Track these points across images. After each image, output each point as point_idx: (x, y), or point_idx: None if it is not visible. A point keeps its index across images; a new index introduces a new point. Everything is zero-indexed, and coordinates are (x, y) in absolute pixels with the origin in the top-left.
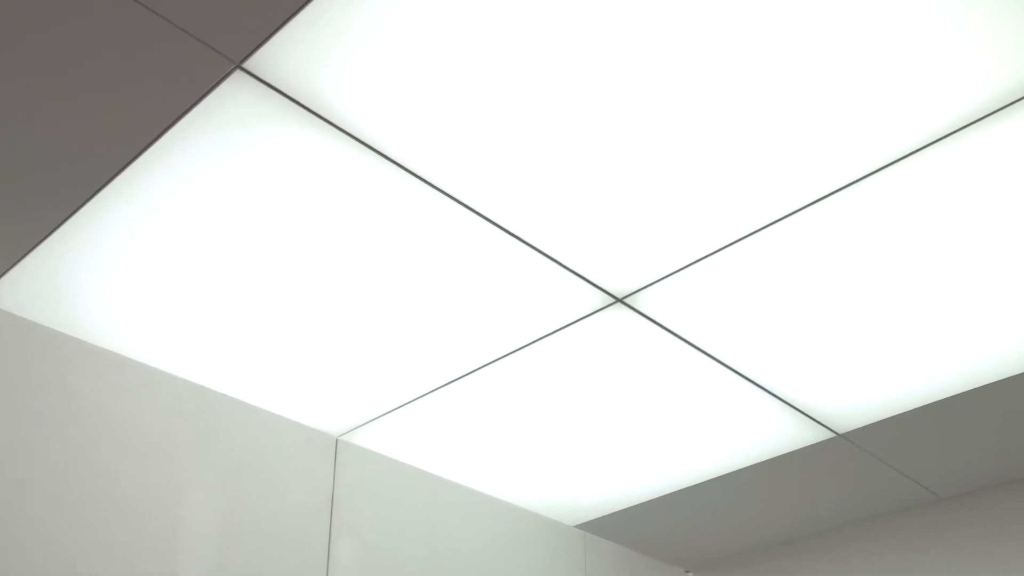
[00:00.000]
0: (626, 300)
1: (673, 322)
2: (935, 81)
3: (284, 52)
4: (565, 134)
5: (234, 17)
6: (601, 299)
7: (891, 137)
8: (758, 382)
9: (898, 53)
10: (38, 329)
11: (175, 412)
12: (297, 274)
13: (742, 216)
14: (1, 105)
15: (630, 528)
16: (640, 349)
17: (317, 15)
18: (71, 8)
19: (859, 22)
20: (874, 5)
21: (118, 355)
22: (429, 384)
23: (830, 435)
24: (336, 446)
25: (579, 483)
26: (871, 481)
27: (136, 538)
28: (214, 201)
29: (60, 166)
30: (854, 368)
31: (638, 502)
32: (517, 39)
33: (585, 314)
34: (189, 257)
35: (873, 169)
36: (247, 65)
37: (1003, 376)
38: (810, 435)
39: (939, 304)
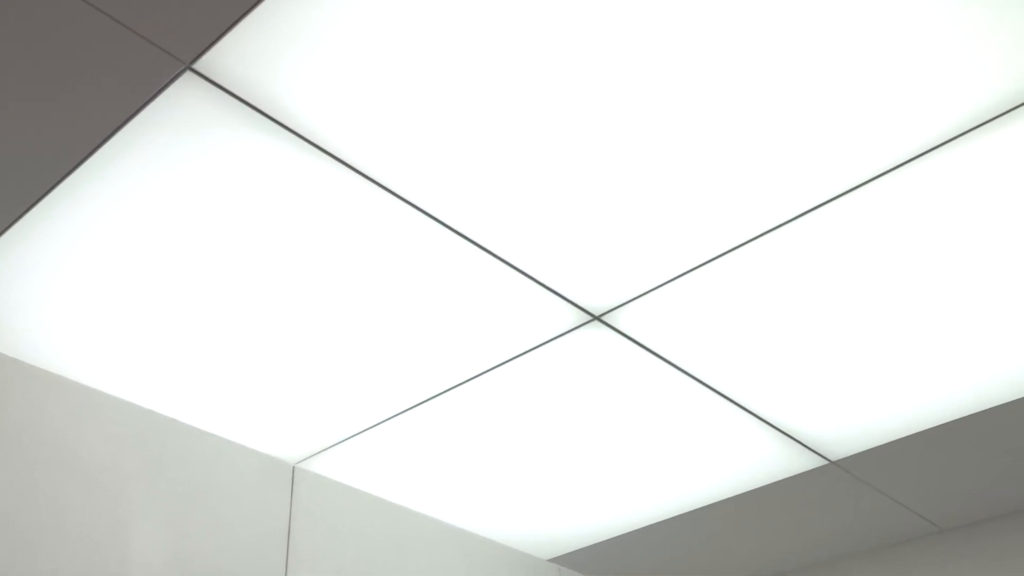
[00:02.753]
0: (603, 318)
1: (654, 341)
2: (931, 85)
3: (237, 53)
4: (539, 141)
5: (184, 15)
6: (577, 317)
7: (885, 145)
8: (745, 406)
9: (890, 56)
10: None
11: (121, 438)
12: (252, 290)
13: (727, 229)
14: None
15: (608, 562)
16: (619, 370)
17: (271, 13)
18: (8, 3)
19: (849, 23)
20: (866, 7)
21: (59, 377)
22: (393, 408)
23: (823, 462)
24: (293, 474)
25: (553, 514)
26: (867, 512)
27: (80, 573)
28: (163, 211)
29: None
30: (848, 391)
31: (617, 534)
32: (488, 40)
33: (560, 333)
34: (136, 272)
35: (866, 179)
36: (197, 66)
37: (1007, 400)
38: (801, 462)
39: (939, 323)
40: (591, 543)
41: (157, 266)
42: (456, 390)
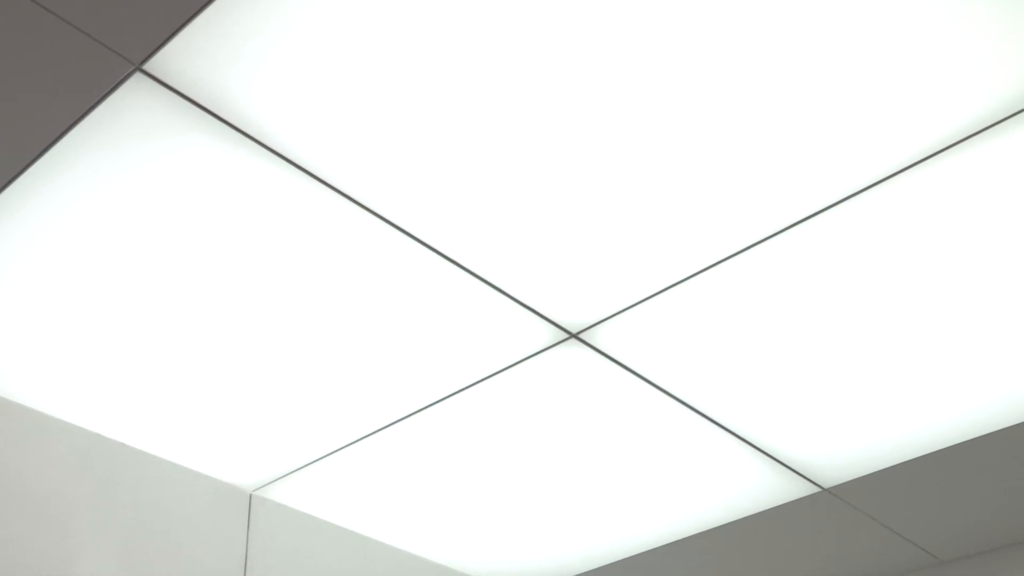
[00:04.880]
0: (581, 335)
1: (635, 360)
2: (930, 88)
3: (190, 53)
4: (513, 150)
5: (133, 13)
6: (553, 334)
7: (881, 151)
8: (732, 429)
9: (886, 58)
10: None
11: (67, 463)
12: (206, 306)
13: (713, 241)
14: None
15: None
16: (597, 390)
17: (226, 12)
18: None
19: (845, 23)
20: (865, 7)
21: (1, 399)
22: (357, 431)
23: (815, 490)
24: (250, 502)
25: (528, 544)
26: (862, 542)
27: None
28: (112, 221)
29: None
30: (842, 414)
31: (595, 566)
32: (460, 39)
33: (534, 351)
34: (83, 286)
35: (861, 188)
36: (148, 67)
37: (1011, 423)
38: (792, 490)
39: (938, 341)
40: (568, 575)
41: (105, 279)
42: (424, 412)
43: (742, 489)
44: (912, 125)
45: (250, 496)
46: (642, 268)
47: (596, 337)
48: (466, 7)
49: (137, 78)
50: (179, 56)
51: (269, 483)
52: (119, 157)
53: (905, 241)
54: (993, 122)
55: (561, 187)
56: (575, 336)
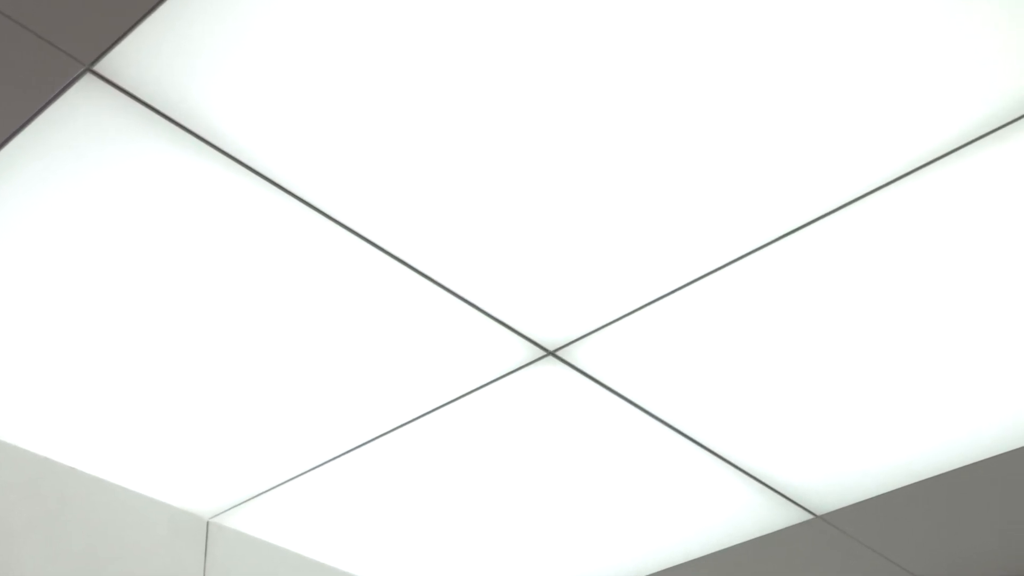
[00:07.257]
0: (559, 353)
1: (615, 379)
2: (933, 90)
3: (143, 53)
4: (487, 160)
5: (83, 11)
6: (529, 352)
7: (878, 157)
8: (719, 452)
9: (886, 58)
10: None
11: (13, 489)
12: (161, 323)
13: (696, 255)
14: None
15: None
16: (576, 411)
17: (181, 10)
18: None
19: (844, 22)
20: (865, 5)
21: None
22: (320, 456)
23: (807, 517)
24: (207, 530)
25: (501, 574)
26: (857, 572)
27: None
28: (60, 230)
29: None
30: (835, 437)
31: None
32: (430, 42)
33: (510, 370)
34: (30, 300)
35: (855, 196)
36: (98, 68)
37: (1011, 447)
38: (783, 516)
39: (937, 360)
40: None
41: (54, 294)
42: (393, 433)
43: (730, 516)
44: (913, 127)
45: (207, 523)
46: (622, 283)
47: (574, 355)
48: (438, 6)
49: (88, 79)
50: (131, 57)
51: (227, 510)
52: (71, 162)
53: (902, 254)
54: (998, 125)
55: (538, 202)
56: (552, 354)
